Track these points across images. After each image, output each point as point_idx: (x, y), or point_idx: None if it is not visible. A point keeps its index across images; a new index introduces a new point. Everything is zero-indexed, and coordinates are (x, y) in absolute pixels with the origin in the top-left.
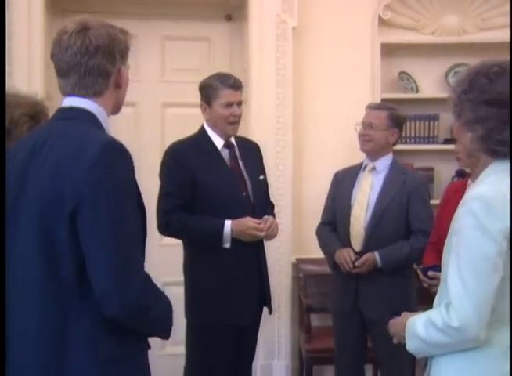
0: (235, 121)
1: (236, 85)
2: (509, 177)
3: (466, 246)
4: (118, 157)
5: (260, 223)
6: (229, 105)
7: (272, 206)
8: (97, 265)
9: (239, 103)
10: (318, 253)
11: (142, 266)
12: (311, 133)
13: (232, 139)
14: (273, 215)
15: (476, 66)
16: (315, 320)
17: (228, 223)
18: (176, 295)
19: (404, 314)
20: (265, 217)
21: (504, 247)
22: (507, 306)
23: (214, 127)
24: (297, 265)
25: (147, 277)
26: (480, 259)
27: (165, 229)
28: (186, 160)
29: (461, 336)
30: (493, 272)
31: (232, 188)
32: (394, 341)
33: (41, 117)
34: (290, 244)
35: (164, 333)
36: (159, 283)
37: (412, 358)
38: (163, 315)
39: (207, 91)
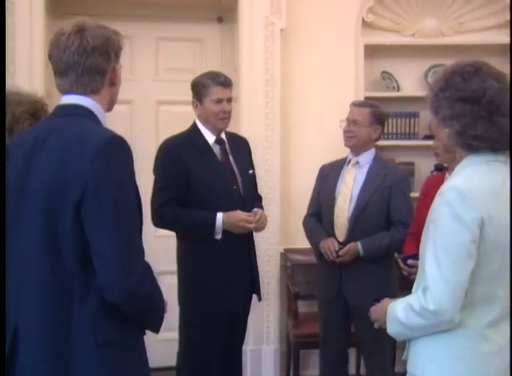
0: (225, 116)
1: (226, 83)
2: (481, 169)
3: (442, 234)
4: (119, 150)
5: (250, 216)
6: (220, 101)
7: (260, 198)
8: (101, 252)
9: (229, 100)
10: (305, 243)
11: (143, 254)
12: (299, 129)
13: (223, 135)
14: (261, 207)
15: (451, 66)
16: (302, 307)
17: (220, 216)
18: (169, 284)
19: (385, 300)
20: (255, 210)
21: (478, 235)
22: (479, 290)
23: (205, 123)
24: (285, 254)
25: (147, 266)
26: (455, 246)
27: (159, 221)
28: (180, 155)
29: (437, 319)
30: (467, 258)
31: (224, 182)
32: (376, 326)
33: (42, 114)
34: (279, 234)
35: (157, 325)
36: (154, 273)
37: (392, 341)
38: (159, 306)
39: (199, 88)
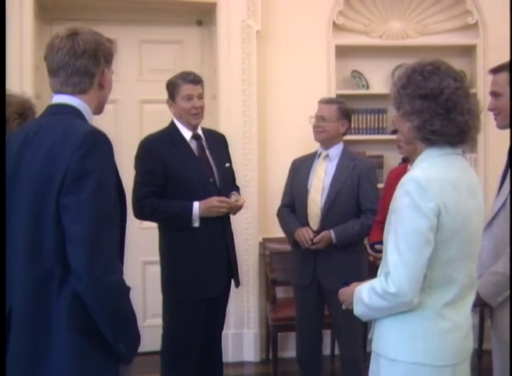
0: (197, 112)
1: (196, 80)
2: (439, 162)
3: (402, 222)
4: (98, 144)
5: (222, 200)
6: (190, 98)
7: (237, 188)
8: (72, 239)
9: (200, 96)
10: (282, 233)
11: (114, 246)
12: (274, 125)
13: (200, 131)
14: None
15: (413, 65)
16: (280, 292)
17: (196, 204)
18: (153, 273)
19: (353, 284)
20: (233, 193)
21: (435, 223)
22: (437, 274)
23: (180, 120)
24: (264, 243)
25: (116, 261)
26: (413, 234)
27: (140, 213)
28: (158, 151)
29: (397, 300)
30: (425, 245)
31: (200, 175)
32: (343, 307)
33: (29, 113)
34: (257, 225)
35: (129, 344)
36: (140, 263)
37: (363, 323)
38: (131, 323)
39: (171, 88)
